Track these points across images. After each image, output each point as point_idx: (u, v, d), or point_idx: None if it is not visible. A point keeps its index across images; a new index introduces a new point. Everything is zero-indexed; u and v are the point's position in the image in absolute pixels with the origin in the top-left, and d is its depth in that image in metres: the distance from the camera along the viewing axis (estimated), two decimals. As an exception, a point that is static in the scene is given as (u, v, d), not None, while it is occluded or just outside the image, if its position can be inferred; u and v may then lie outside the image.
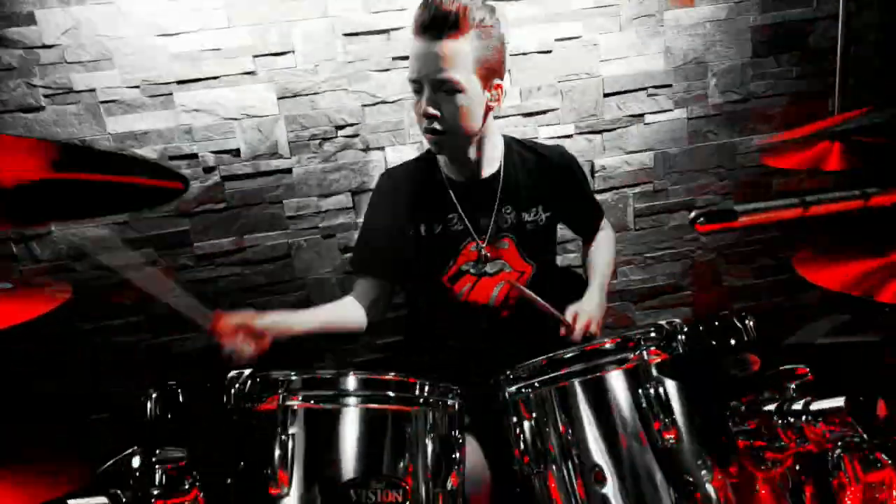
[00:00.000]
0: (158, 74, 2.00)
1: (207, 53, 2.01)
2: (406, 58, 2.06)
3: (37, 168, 0.99)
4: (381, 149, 2.18)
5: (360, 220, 2.16)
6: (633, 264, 2.44)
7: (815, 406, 0.80)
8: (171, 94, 2.02)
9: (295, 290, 2.23)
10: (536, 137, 2.21)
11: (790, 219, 0.75)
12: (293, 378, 0.85)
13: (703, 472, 0.85)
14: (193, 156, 2.08)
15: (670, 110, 2.30)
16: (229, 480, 0.84)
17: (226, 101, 2.05)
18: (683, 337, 0.90)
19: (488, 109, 1.71)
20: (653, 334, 0.89)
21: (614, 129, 2.29)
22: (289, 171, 2.15)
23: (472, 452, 1.59)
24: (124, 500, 0.76)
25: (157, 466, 0.81)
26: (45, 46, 1.92)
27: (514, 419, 0.99)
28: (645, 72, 2.25)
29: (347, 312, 1.78)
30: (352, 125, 2.15)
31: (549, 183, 1.84)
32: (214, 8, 1.98)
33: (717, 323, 0.93)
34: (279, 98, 2.08)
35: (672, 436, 0.85)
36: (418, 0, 1.52)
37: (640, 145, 2.31)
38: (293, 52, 2.06)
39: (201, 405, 0.88)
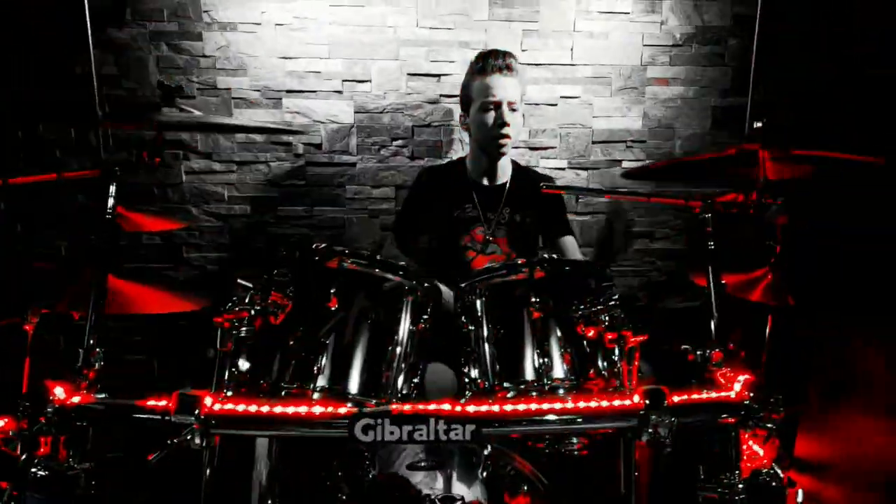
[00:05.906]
0: (275, 84, 2.85)
1: (310, 74, 2.85)
2: (449, 96, 2.88)
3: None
4: (422, 158, 2.97)
5: (399, 208, 2.92)
6: (603, 275, 3.13)
7: (610, 301, 1.51)
8: (280, 98, 2.87)
9: (343, 252, 3.01)
10: (537, 166, 2.96)
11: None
12: (347, 251, 1.60)
13: (555, 337, 1.56)
14: (289, 144, 2.91)
15: (643, 160, 3.02)
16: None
17: (318, 109, 2.89)
18: (556, 267, 1.61)
19: None
20: (541, 261, 1.61)
21: (597, 168, 3.02)
22: (353, 164, 2.96)
23: (444, 373, 2.28)
24: (261, 286, 1.52)
25: (276, 276, 1.58)
26: (204, 56, 2.80)
27: (462, 299, 1.73)
28: (626, 129, 2.99)
29: None
30: (403, 139, 2.95)
31: (539, 199, 2.59)
32: (320, 44, 2.83)
33: (583, 265, 1.65)
34: (355, 112, 2.90)
35: (540, 315, 1.57)
36: (464, 57, 2.32)
37: (616, 183, 3.03)
38: (370, 81, 2.89)
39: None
